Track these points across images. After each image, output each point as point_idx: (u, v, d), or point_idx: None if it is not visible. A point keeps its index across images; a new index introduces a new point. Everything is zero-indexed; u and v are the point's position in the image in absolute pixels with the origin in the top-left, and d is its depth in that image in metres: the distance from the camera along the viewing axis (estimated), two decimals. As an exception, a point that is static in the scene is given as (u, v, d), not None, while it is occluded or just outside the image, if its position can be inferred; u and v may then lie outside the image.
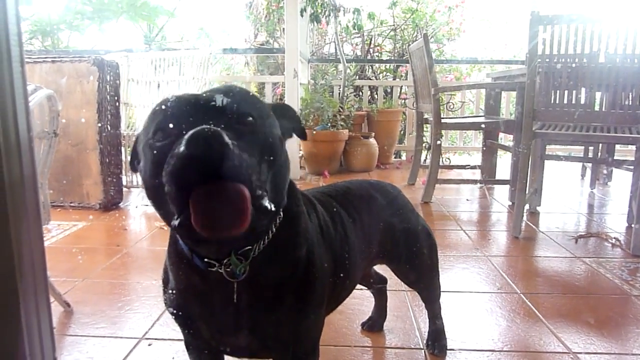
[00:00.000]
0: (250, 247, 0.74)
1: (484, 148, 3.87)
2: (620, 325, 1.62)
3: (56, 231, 2.56)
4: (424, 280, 1.38)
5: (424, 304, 1.46)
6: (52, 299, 1.62)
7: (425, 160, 4.41)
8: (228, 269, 0.73)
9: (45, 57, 2.95)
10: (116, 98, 3.12)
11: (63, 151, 2.88)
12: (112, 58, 3.26)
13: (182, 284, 0.80)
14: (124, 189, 3.30)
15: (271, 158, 0.67)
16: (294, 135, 0.84)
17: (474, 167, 4.19)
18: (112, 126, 3.05)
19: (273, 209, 0.64)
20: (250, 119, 0.67)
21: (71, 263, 2.12)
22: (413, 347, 1.46)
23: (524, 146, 2.54)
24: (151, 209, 2.59)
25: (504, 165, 4.11)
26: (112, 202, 3.06)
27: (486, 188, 3.41)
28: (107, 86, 2.99)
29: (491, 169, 3.88)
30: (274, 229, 0.76)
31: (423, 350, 1.44)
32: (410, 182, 3.97)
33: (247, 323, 0.79)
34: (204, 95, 0.69)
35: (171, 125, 0.64)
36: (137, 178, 3.59)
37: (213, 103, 0.67)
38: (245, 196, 0.59)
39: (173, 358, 1.38)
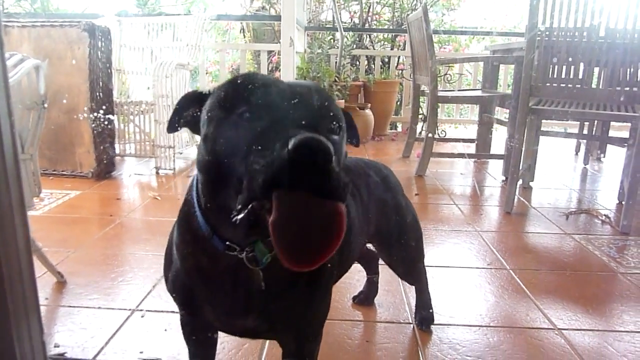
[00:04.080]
0: None
1: (480, 123, 3.86)
2: (606, 302, 1.65)
3: (48, 200, 2.55)
4: (413, 270, 1.41)
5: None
6: (45, 270, 1.63)
7: (420, 132, 4.39)
8: (249, 255, 0.70)
9: (35, 22, 2.87)
10: (108, 65, 3.07)
11: (54, 119, 2.84)
12: (103, 23, 3.18)
13: (191, 264, 0.78)
14: (117, 158, 3.28)
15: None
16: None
17: (469, 141, 4.19)
18: (104, 93, 3.01)
19: None
20: (337, 126, 0.65)
21: (64, 233, 2.12)
22: (402, 321, 1.49)
23: (517, 140, 2.53)
24: (145, 179, 2.58)
25: (499, 138, 4.10)
26: (104, 171, 3.04)
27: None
28: (99, 52, 2.92)
29: (486, 142, 3.87)
30: None
31: (412, 325, 1.46)
32: (405, 155, 3.97)
33: (258, 307, 0.77)
34: (299, 87, 0.65)
35: (265, 109, 0.60)
36: (131, 147, 3.56)
37: (311, 101, 0.63)
38: (344, 222, 0.55)
39: (165, 330, 1.40)
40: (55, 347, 1.31)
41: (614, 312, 1.57)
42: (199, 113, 0.71)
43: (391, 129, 5.51)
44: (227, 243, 0.70)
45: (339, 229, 0.55)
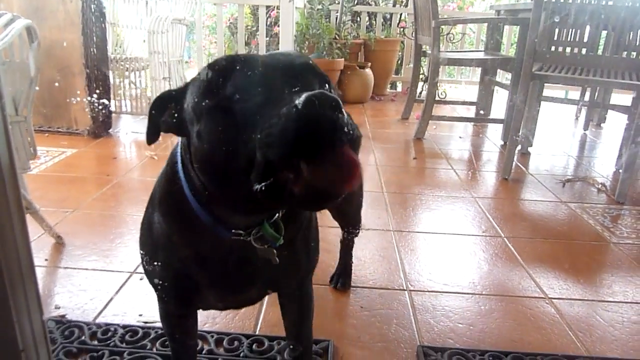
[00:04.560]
0: (277, 214, 0.71)
1: (481, 85, 3.81)
2: (597, 272, 1.68)
3: (44, 158, 2.54)
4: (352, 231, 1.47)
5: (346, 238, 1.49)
6: (43, 231, 1.64)
7: (420, 94, 4.33)
8: (257, 236, 0.69)
9: (24, -28, 2.76)
10: (102, 18, 2.97)
11: (48, 75, 2.78)
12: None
13: (191, 253, 0.75)
14: (113, 115, 3.23)
15: None
16: None
17: (469, 104, 4.14)
18: (98, 48, 2.93)
19: None
20: (327, 86, 0.63)
21: (61, 193, 2.12)
22: (397, 288, 1.51)
23: (517, 106, 2.49)
24: (141, 137, 2.56)
25: (500, 101, 4.05)
26: (101, 128, 3.01)
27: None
28: (92, 5, 2.83)
29: (486, 105, 3.83)
30: None
31: (406, 292, 1.49)
32: (404, 117, 3.93)
33: (263, 277, 0.79)
34: (278, 55, 0.63)
35: (253, 85, 0.58)
36: (126, 104, 3.52)
37: (295, 65, 0.61)
38: (359, 169, 0.54)
39: (164, 293, 1.42)
40: (55, 308, 1.33)
41: (604, 282, 1.60)
42: (179, 113, 0.66)
43: (391, 89, 5.44)
44: (233, 230, 0.69)
45: (358, 173, 0.54)
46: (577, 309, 1.44)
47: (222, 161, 0.58)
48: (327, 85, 0.64)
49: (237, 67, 0.60)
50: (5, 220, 0.56)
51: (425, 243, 1.83)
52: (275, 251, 0.71)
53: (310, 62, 0.64)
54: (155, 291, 0.85)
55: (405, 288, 1.52)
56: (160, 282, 0.80)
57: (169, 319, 0.93)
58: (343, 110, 0.53)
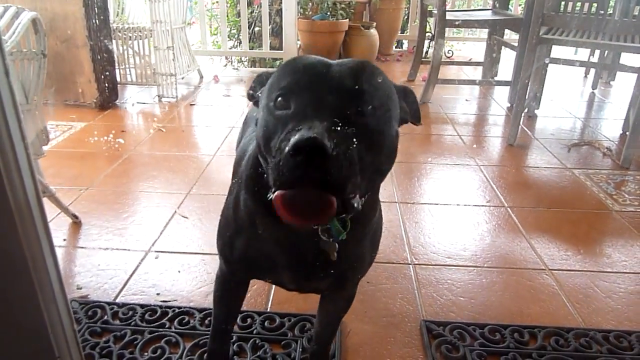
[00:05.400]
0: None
1: (488, 45, 3.74)
2: (597, 242, 1.72)
3: (54, 133, 2.57)
4: None
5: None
6: (59, 211, 1.70)
7: (426, 53, 4.26)
8: (324, 227, 0.73)
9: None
10: (102, -13, 2.93)
11: (53, 48, 2.77)
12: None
13: (268, 233, 0.80)
14: (119, 85, 3.24)
15: (378, 154, 0.66)
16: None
17: (475, 64, 4.08)
18: (100, 19, 2.90)
19: (359, 207, 0.66)
20: (371, 108, 0.65)
21: (73, 169, 2.17)
22: (402, 262, 1.57)
23: (524, 72, 2.46)
24: (148, 108, 2.57)
25: (507, 59, 3.98)
26: (107, 100, 3.02)
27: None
28: (91, -26, 2.78)
29: (493, 65, 3.78)
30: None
31: (411, 266, 1.55)
32: (410, 79, 3.89)
33: (335, 271, 0.82)
34: (339, 67, 0.68)
35: (291, 97, 0.65)
36: (132, 73, 3.51)
37: (340, 84, 0.65)
38: (332, 206, 0.61)
39: (179, 271, 1.49)
40: (77, 289, 1.40)
41: (604, 252, 1.65)
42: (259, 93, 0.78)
43: (397, 47, 5.35)
44: None
45: (327, 214, 0.61)
46: (576, 280, 1.50)
47: (261, 153, 0.70)
48: (369, 107, 0.65)
49: (293, 73, 0.67)
50: (26, 213, 0.58)
51: (430, 215, 1.87)
52: (337, 246, 0.75)
53: (366, 79, 0.66)
54: (225, 260, 0.92)
55: (410, 262, 1.57)
56: (237, 254, 0.86)
57: (226, 284, 0.99)
58: (327, 158, 0.57)
